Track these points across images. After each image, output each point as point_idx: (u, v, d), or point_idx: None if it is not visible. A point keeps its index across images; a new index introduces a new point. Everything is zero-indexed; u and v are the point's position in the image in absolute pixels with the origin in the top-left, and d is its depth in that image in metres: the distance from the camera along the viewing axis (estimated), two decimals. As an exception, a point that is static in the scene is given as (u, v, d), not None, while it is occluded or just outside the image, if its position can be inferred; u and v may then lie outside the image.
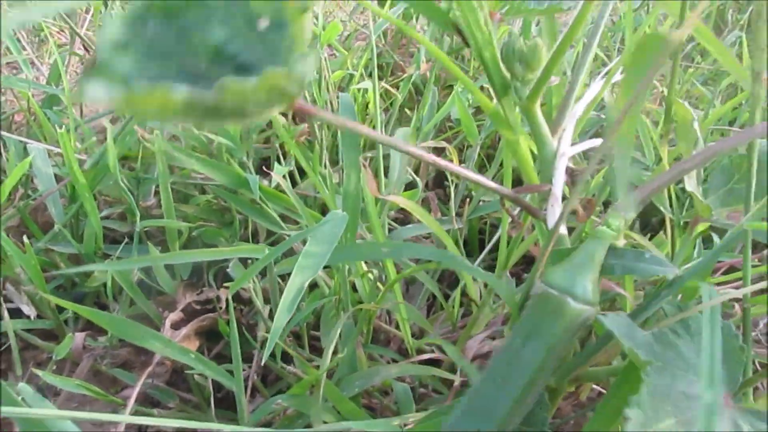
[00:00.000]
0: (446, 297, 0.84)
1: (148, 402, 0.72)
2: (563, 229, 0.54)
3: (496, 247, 0.79)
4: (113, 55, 0.43)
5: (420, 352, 0.72)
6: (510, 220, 0.72)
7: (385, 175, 0.85)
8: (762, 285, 0.48)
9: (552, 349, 0.46)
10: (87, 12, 1.30)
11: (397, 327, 0.74)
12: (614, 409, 0.49)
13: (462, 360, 0.57)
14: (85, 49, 1.36)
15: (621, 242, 0.51)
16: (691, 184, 0.54)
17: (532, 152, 0.57)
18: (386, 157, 0.87)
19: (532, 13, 0.56)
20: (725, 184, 0.58)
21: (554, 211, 0.52)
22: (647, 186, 0.54)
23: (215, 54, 0.44)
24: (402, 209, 0.96)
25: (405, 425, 0.58)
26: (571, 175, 0.71)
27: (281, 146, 0.89)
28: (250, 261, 0.77)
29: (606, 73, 0.64)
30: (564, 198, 0.57)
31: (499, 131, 0.57)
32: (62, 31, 1.31)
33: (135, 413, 0.71)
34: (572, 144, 0.57)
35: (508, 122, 0.56)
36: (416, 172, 0.96)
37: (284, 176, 0.78)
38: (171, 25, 0.43)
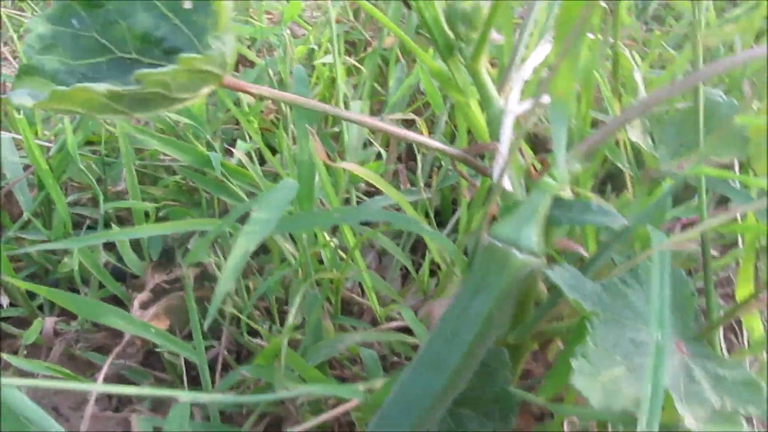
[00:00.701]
0: (419, 268, 0.84)
1: (122, 383, 0.73)
2: (521, 190, 0.54)
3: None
4: (40, 56, 0.43)
5: (391, 320, 0.72)
6: (470, 185, 0.72)
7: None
8: (717, 221, 0.48)
9: (499, 301, 0.46)
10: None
11: (364, 293, 0.74)
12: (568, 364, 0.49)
13: (418, 323, 0.58)
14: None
15: (567, 194, 0.51)
16: (635, 134, 0.54)
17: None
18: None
19: (474, -28, 0.56)
20: (677, 136, 0.58)
21: (499, 163, 0.52)
22: (590, 138, 0.55)
23: (143, 41, 0.44)
24: (373, 184, 0.96)
25: (371, 390, 0.58)
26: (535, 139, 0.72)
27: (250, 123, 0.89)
28: (219, 240, 0.77)
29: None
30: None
31: (449, 94, 0.57)
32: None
33: (109, 395, 0.72)
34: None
35: (456, 84, 0.56)
36: (387, 147, 0.96)
37: (251, 154, 0.78)
38: (95, 18, 0.43)
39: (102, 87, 0.37)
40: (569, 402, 0.52)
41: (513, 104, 0.55)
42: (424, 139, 0.54)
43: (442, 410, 0.48)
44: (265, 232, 0.48)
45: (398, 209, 0.90)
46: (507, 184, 0.52)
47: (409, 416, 0.45)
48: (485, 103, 0.55)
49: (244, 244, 0.47)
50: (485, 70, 0.55)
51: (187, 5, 0.45)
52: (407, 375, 0.46)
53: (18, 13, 1.18)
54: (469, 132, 0.76)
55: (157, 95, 0.40)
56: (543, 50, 0.63)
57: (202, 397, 0.49)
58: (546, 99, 0.59)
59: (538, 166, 0.61)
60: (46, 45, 0.44)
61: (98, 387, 0.49)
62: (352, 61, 0.96)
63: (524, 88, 0.59)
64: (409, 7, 0.49)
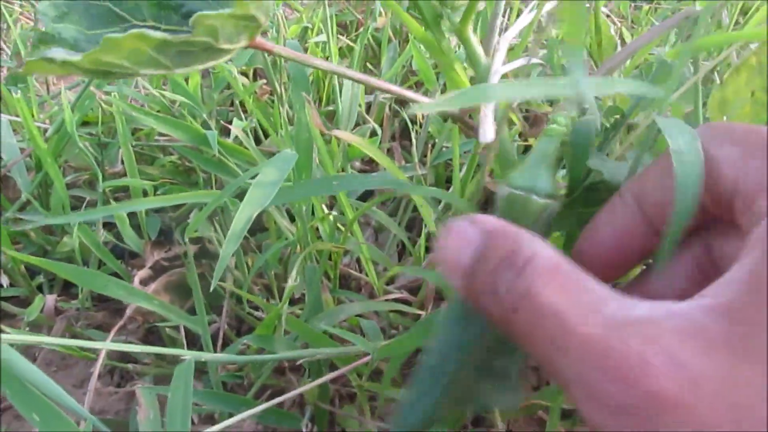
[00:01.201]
0: (416, 244, 0.85)
1: (124, 359, 0.74)
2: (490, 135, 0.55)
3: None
4: (57, 23, 0.43)
5: (389, 294, 0.73)
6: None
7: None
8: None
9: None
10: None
11: (362, 269, 0.75)
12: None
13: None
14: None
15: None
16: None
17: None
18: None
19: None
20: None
21: (485, 122, 0.53)
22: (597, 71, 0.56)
23: (159, 7, 0.44)
24: (369, 162, 0.97)
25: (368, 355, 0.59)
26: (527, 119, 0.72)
27: (242, 104, 0.89)
28: (218, 218, 0.78)
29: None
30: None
31: (434, 58, 0.58)
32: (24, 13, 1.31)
33: (111, 369, 0.73)
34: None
35: (440, 48, 0.57)
36: (381, 124, 0.97)
37: (246, 132, 0.79)
38: None
39: (158, 33, 0.37)
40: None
41: (498, 65, 0.56)
42: (406, 92, 0.55)
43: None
44: (267, 198, 0.48)
45: (393, 186, 0.91)
46: (488, 134, 0.52)
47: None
48: (474, 64, 0.56)
49: (247, 212, 0.48)
50: (472, 34, 0.56)
51: None
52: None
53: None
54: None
55: (202, 45, 0.40)
56: (528, 16, 0.64)
57: (205, 355, 0.49)
58: (534, 60, 0.61)
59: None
60: (60, 13, 0.44)
61: (107, 345, 0.50)
62: (345, 40, 0.97)
63: (511, 52, 0.60)
64: None
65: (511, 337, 0.28)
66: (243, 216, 0.48)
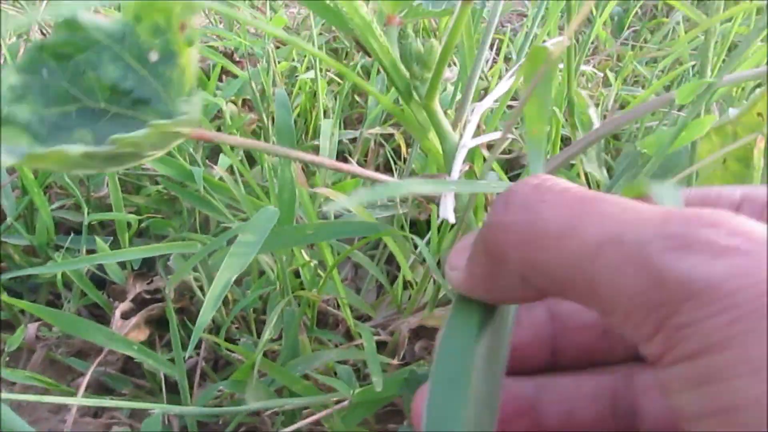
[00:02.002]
0: (395, 279, 0.87)
1: (102, 389, 0.75)
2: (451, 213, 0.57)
3: (439, 229, 0.82)
4: (12, 105, 0.44)
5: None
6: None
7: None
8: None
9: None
10: None
11: (340, 307, 0.77)
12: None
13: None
14: (42, 34, 1.36)
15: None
16: (589, 165, 0.57)
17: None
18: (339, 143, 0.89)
19: (429, 15, 0.58)
20: (631, 168, 0.61)
21: (446, 201, 0.55)
22: (556, 158, 0.57)
23: (112, 91, 0.46)
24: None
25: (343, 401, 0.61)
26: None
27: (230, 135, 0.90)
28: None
29: (515, 71, 0.66)
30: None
31: (410, 131, 0.59)
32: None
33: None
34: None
35: (417, 122, 0.58)
36: (366, 157, 0.99)
37: (234, 165, 0.80)
38: (64, 68, 0.45)
39: (77, 149, 0.38)
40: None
41: (467, 139, 0.58)
42: (378, 175, 0.56)
43: None
44: (246, 261, 0.50)
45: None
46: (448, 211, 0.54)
47: None
48: (441, 138, 0.57)
49: (226, 276, 0.49)
50: (439, 108, 0.57)
51: (153, 58, 0.46)
52: None
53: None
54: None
55: (128, 153, 0.41)
56: (507, 83, 0.66)
57: (174, 409, 0.51)
58: (497, 134, 0.62)
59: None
60: (17, 95, 0.45)
61: (77, 401, 0.51)
62: (331, 75, 0.98)
63: (490, 117, 0.62)
64: (369, 55, 0.52)
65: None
66: (222, 280, 0.49)
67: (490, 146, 0.70)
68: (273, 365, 0.58)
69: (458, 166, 0.53)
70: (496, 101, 0.62)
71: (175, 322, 0.56)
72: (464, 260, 0.29)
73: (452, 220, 0.56)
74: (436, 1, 0.57)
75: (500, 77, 0.70)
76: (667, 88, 1.00)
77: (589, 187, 0.68)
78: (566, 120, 0.64)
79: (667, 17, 1.35)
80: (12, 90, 0.44)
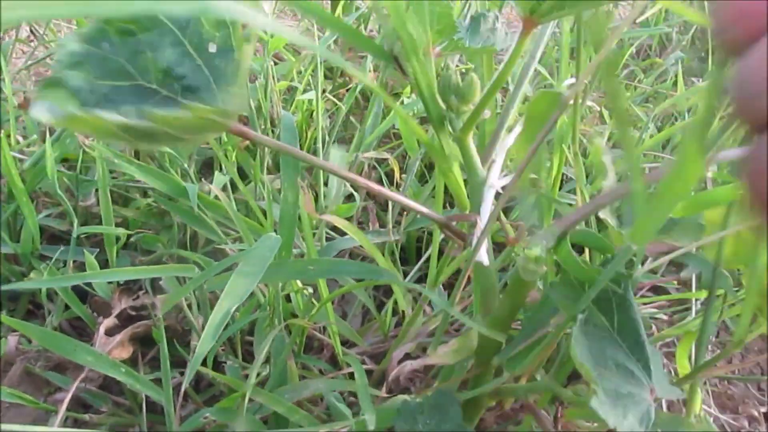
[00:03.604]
0: (383, 304, 0.86)
1: (80, 405, 0.73)
2: (485, 256, 0.57)
3: (430, 258, 0.81)
4: (68, 70, 0.44)
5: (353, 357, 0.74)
6: (442, 237, 0.74)
7: (325, 183, 0.86)
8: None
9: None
10: None
11: (330, 336, 0.76)
12: None
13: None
14: (32, 33, 1.34)
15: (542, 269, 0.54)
16: (605, 213, 0.57)
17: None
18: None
19: (467, 51, 0.58)
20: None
21: (478, 240, 0.55)
22: (567, 218, 0.57)
23: (165, 74, 0.46)
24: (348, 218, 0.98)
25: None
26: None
27: (225, 150, 0.90)
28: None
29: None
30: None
31: (434, 159, 0.59)
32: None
33: (67, 418, 0.72)
34: (502, 175, 0.59)
35: (443, 152, 0.58)
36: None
37: (233, 180, 0.79)
38: (125, 45, 0.45)
39: (115, 118, 0.38)
40: None
41: (494, 179, 0.58)
42: (408, 201, 0.56)
43: None
44: (247, 292, 0.49)
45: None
46: (483, 255, 0.54)
47: None
48: (469, 172, 0.57)
49: (226, 305, 0.48)
50: (472, 142, 0.57)
51: (212, 49, 0.46)
52: None
53: None
54: (446, 190, 0.78)
55: (164, 133, 0.41)
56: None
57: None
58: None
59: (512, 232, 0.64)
60: (75, 61, 0.45)
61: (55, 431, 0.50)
62: (329, 96, 0.98)
63: (507, 155, 0.62)
64: (404, 73, 0.51)
65: None
66: (221, 309, 0.48)
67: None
68: (268, 395, 0.57)
69: (488, 207, 0.53)
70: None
71: (165, 348, 0.54)
72: None
73: (487, 263, 0.56)
74: (473, 40, 0.57)
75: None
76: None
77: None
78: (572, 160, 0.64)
79: (660, 57, 1.37)
80: (71, 56, 0.44)
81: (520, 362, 0.57)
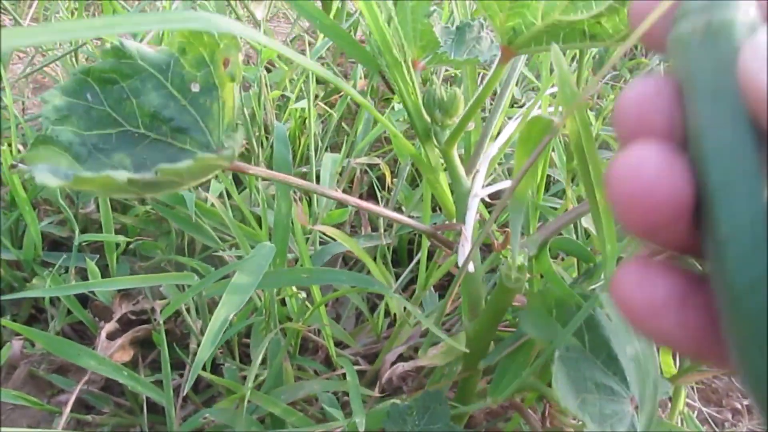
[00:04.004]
0: (376, 306, 0.89)
1: (82, 407, 0.76)
2: (471, 264, 0.60)
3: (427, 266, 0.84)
4: (56, 126, 0.46)
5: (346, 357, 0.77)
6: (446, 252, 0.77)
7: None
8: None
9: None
10: (29, 8, 1.30)
11: (325, 337, 0.79)
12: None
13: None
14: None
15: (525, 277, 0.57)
16: (587, 221, 0.60)
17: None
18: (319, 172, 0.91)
19: (451, 64, 0.61)
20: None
21: (464, 249, 0.57)
22: (548, 227, 0.60)
23: (152, 118, 0.48)
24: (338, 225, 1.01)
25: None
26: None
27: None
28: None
29: (519, 116, 0.69)
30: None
31: (421, 170, 0.61)
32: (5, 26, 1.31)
33: (69, 420, 0.75)
34: (485, 185, 0.62)
35: (429, 164, 0.60)
36: (351, 183, 1.01)
37: (227, 189, 0.82)
38: (108, 94, 0.47)
39: (123, 175, 0.40)
40: None
41: (478, 188, 0.61)
42: (396, 215, 0.59)
43: None
44: (244, 299, 0.52)
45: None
46: (469, 265, 0.57)
47: None
48: (455, 183, 0.60)
49: (224, 312, 0.51)
50: (456, 154, 0.60)
51: (195, 88, 0.48)
52: None
53: None
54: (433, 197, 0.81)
55: (168, 181, 0.43)
56: (508, 130, 0.69)
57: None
58: (506, 184, 0.65)
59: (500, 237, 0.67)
60: (61, 116, 0.47)
61: None
62: (320, 103, 1.00)
63: (491, 163, 0.64)
64: (392, 91, 0.54)
65: None
66: (220, 317, 0.51)
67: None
68: (265, 397, 0.60)
69: (472, 216, 0.55)
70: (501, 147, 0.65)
71: (166, 352, 0.57)
72: None
73: (473, 269, 0.58)
74: (458, 50, 0.60)
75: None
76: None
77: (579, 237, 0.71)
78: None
79: (646, 57, 1.39)
80: (56, 110, 0.46)
81: (503, 390, 0.61)
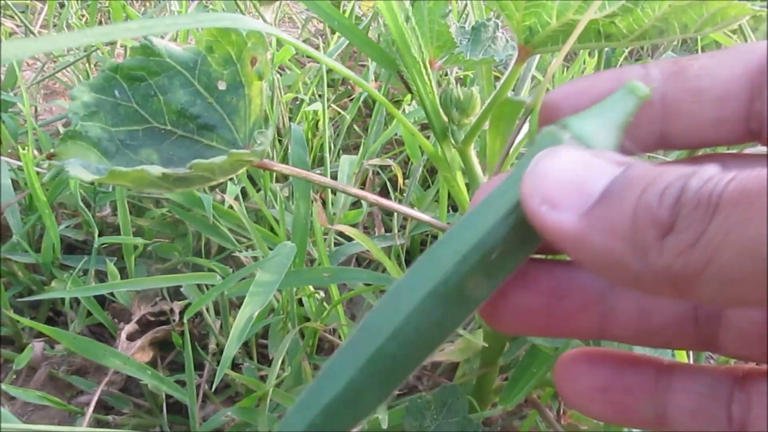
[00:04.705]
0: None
1: (102, 407, 0.76)
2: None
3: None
4: (84, 122, 0.47)
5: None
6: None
7: (333, 192, 0.90)
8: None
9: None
10: (39, 13, 1.31)
11: (341, 337, 0.79)
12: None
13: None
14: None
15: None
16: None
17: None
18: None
19: (467, 63, 0.62)
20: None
21: None
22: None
23: (179, 115, 0.49)
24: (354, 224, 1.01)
25: None
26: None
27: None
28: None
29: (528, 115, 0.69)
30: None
31: (438, 168, 0.62)
32: (15, 34, 1.32)
33: (91, 421, 0.76)
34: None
35: (446, 162, 0.61)
36: (363, 185, 1.01)
37: (239, 197, 0.82)
38: (135, 91, 0.48)
39: (156, 170, 0.41)
40: None
41: None
42: (413, 212, 0.60)
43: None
44: (268, 297, 0.52)
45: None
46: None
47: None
48: (472, 182, 0.61)
49: (249, 310, 0.51)
50: (473, 153, 0.60)
51: (221, 86, 0.49)
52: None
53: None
54: (449, 196, 0.81)
55: (199, 176, 0.44)
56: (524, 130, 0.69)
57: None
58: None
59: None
60: (89, 112, 0.48)
61: (81, 430, 0.53)
62: (333, 106, 1.01)
63: (504, 163, 0.65)
64: (411, 91, 0.55)
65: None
66: (244, 316, 0.52)
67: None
68: (285, 395, 0.61)
69: None
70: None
71: (190, 352, 0.58)
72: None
73: None
74: (474, 50, 0.60)
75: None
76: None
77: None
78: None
79: (652, 57, 1.40)
80: (85, 107, 0.47)
81: (513, 397, 0.61)
